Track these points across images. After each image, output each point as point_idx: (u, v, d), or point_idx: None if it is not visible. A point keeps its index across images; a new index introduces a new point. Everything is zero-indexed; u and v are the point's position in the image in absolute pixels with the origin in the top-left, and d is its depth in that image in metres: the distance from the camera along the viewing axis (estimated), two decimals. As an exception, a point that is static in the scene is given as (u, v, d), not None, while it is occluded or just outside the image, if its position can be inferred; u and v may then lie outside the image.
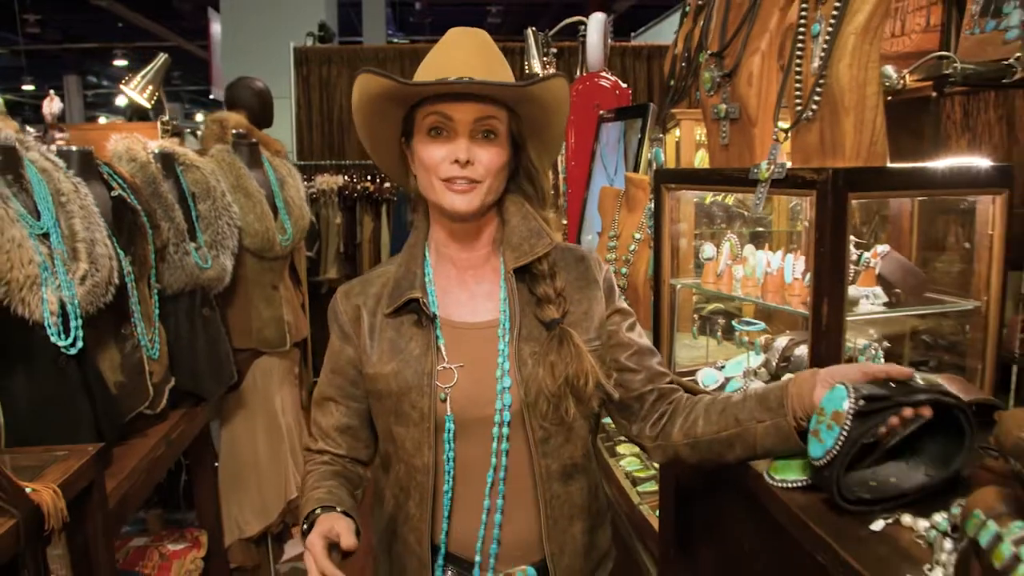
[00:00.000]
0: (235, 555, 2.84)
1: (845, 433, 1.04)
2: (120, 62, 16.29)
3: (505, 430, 1.27)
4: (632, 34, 8.97)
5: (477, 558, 1.30)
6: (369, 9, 11.76)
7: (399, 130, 1.32)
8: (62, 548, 1.48)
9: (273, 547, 3.05)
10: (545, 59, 3.35)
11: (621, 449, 2.46)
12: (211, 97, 9.42)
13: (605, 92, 2.72)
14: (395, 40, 14.89)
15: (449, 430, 1.27)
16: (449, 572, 1.31)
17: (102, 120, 14.86)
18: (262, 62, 5.91)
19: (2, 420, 1.57)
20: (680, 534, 1.66)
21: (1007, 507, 0.72)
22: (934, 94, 2.05)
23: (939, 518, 0.98)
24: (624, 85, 2.76)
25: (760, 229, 1.83)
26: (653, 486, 2.16)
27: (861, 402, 1.04)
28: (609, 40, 2.86)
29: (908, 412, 1.06)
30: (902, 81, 2.06)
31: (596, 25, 2.72)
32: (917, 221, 1.51)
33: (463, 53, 1.25)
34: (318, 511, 1.24)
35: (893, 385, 1.08)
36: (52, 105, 4.62)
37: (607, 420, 2.68)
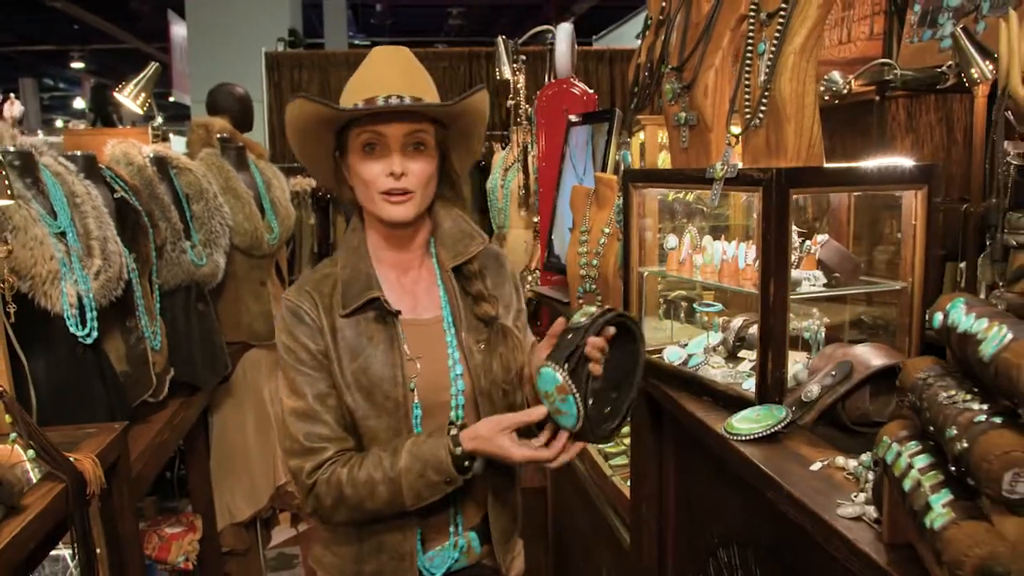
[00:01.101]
0: (227, 539, 2.97)
1: (578, 394, 1.23)
2: (76, 64, 16.11)
3: (461, 412, 1.44)
4: (593, 37, 9.19)
5: (451, 527, 1.47)
6: (330, 11, 11.81)
7: (332, 147, 1.44)
8: (95, 517, 1.62)
9: (262, 532, 3.19)
10: (515, 65, 3.54)
11: (592, 429, 2.65)
12: (172, 100, 9.42)
13: (574, 98, 2.91)
14: (356, 42, 14.94)
15: (417, 416, 1.41)
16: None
17: (59, 123, 14.69)
18: (232, 67, 6.01)
19: (34, 400, 1.70)
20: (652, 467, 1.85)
21: (908, 432, 0.92)
22: (877, 98, 2.27)
23: (865, 457, 1.19)
24: (591, 91, 2.95)
25: (715, 224, 2.02)
26: (623, 460, 2.35)
27: (566, 365, 1.24)
28: (575, 47, 3.06)
29: (596, 341, 1.26)
30: (848, 86, 2.27)
31: (564, 35, 2.92)
32: (855, 215, 1.72)
33: (389, 72, 1.37)
34: (452, 433, 1.34)
35: (569, 336, 1.27)
36: (13, 108, 4.65)
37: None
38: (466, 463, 1.34)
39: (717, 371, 1.63)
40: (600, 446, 2.50)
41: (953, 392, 0.83)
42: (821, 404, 1.34)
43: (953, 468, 0.79)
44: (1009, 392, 0.73)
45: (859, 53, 2.49)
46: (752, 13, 1.47)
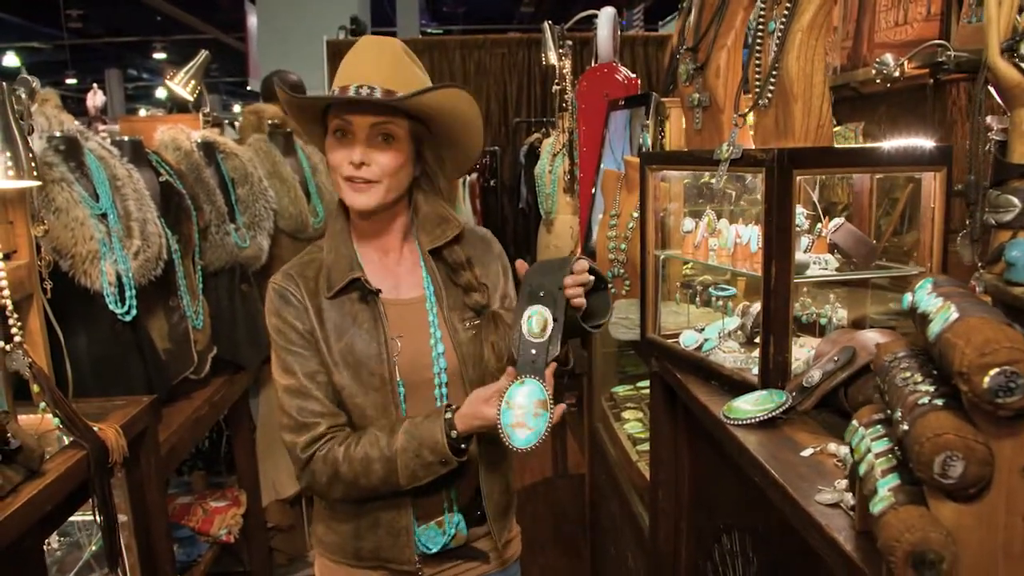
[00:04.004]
0: (272, 515, 3.07)
1: (552, 416, 1.28)
2: (159, 55, 16.72)
3: (444, 390, 1.47)
4: (660, 23, 9.04)
5: (444, 504, 1.49)
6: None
7: (323, 127, 1.47)
8: (121, 485, 1.70)
9: (307, 509, 3.27)
10: (561, 51, 3.52)
11: (626, 415, 2.64)
12: (248, 88, 9.70)
13: (615, 82, 2.88)
14: (429, 30, 15.07)
15: (400, 393, 1.45)
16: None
17: (143, 112, 15.29)
18: (296, 55, 6.15)
19: (70, 374, 1.79)
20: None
21: (877, 416, 0.90)
22: (931, 81, 2.18)
23: (855, 443, 1.16)
24: (633, 75, 2.92)
25: (738, 207, 1.96)
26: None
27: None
28: (619, 32, 3.03)
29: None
30: (899, 68, 2.19)
31: (606, 20, 2.89)
32: (876, 198, 1.67)
33: (369, 62, 1.39)
34: (447, 416, 1.38)
35: (534, 351, 1.31)
36: (96, 98, 4.86)
37: (617, 389, 2.86)
38: (462, 445, 1.38)
39: (728, 356, 1.60)
40: (630, 430, 2.49)
41: (909, 374, 0.80)
42: (821, 390, 1.31)
43: (900, 452, 0.77)
44: (949, 373, 0.70)
45: (916, 35, 2.40)
46: (764, -10, 1.44)
